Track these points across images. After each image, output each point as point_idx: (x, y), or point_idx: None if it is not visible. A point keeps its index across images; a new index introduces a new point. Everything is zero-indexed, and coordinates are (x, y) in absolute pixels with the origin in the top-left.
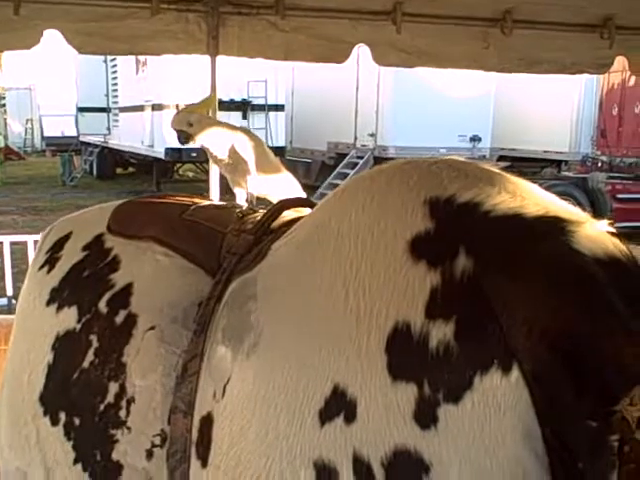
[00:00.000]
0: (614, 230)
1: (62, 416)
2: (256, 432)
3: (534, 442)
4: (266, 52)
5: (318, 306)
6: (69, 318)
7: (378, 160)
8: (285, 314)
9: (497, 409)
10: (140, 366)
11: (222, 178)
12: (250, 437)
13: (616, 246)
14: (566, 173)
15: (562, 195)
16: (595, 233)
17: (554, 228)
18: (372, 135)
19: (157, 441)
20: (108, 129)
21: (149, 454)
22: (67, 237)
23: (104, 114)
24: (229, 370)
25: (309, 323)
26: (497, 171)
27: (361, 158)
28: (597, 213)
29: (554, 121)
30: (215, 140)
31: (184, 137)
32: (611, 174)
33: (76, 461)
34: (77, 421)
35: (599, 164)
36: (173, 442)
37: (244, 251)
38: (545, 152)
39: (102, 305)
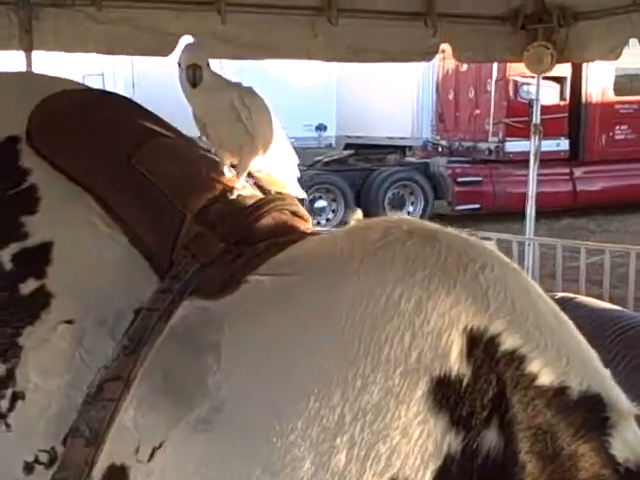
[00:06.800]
0: None
1: None
2: None
3: None
4: (86, 46)
5: (303, 414)
6: None
7: None
8: (256, 403)
9: None
10: (42, 361)
11: None
12: None
13: None
14: (409, 159)
15: (406, 180)
16: (633, 434)
17: (595, 421)
18: None
19: (43, 458)
20: None
21: (28, 468)
22: None
23: None
24: (164, 433)
25: (285, 433)
26: (548, 302)
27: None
28: (439, 197)
29: (396, 107)
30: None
31: (198, 76)
32: (451, 158)
33: None
34: None
35: (439, 149)
36: (64, 468)
37: (207, 260)
38: (389, 138)
39: (5, 257)
